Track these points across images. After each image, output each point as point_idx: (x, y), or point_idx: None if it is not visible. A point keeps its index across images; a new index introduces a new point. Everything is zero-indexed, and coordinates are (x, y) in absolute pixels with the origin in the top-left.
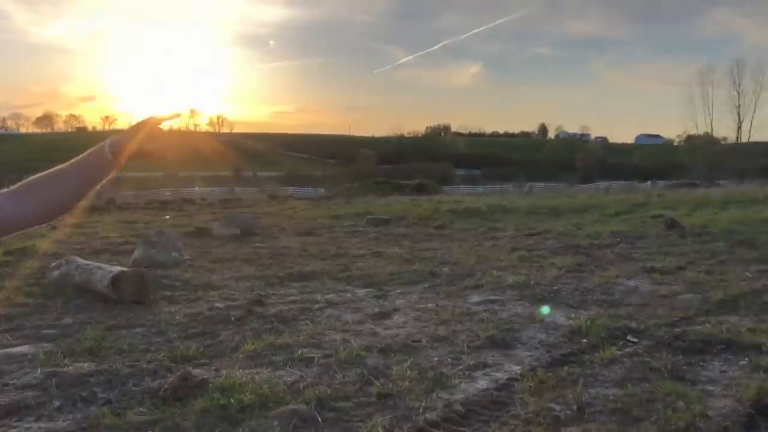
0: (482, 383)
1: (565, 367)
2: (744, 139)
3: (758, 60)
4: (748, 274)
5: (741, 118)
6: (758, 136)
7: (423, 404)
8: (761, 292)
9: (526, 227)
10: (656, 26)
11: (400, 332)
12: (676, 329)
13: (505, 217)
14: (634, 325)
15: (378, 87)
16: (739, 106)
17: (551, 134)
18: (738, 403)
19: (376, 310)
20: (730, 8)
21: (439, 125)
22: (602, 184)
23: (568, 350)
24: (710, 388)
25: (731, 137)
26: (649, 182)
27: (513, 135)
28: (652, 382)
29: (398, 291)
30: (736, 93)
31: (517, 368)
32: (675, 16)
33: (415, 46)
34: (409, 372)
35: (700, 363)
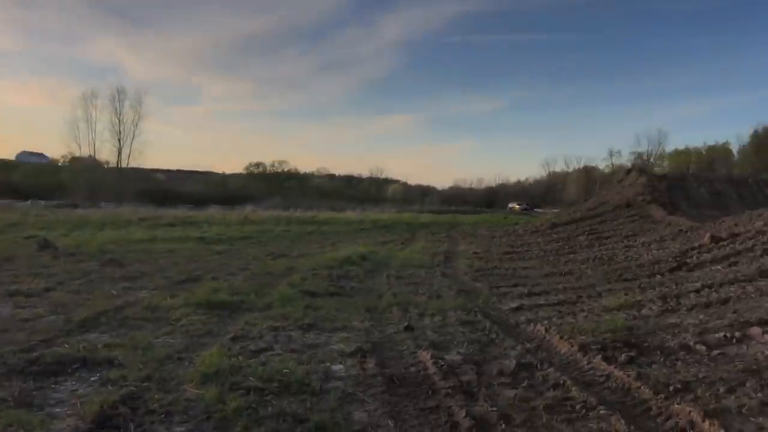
0: None
1: None
2: (124, 164)
3: (137, 90)
4: (113, 291)
5: (121, 144)
6: (136, 162)
7: None
8: (123, 307)
9: None
10: (45, 41)
11: None
12: (33, 353)
13: None
14: None
15: None
16: (120, 132)
17: None
18: (81, 420)
19: None
20: (114, 38)
21: None
22: None
23: None
24: (57, 410)
25: (114, 161)
26: (29, 201)
27: None
28: None
29: None
30: (117, 119)
31: None
32: (65, 35)
33: None
34: None
35: (53, 385)
